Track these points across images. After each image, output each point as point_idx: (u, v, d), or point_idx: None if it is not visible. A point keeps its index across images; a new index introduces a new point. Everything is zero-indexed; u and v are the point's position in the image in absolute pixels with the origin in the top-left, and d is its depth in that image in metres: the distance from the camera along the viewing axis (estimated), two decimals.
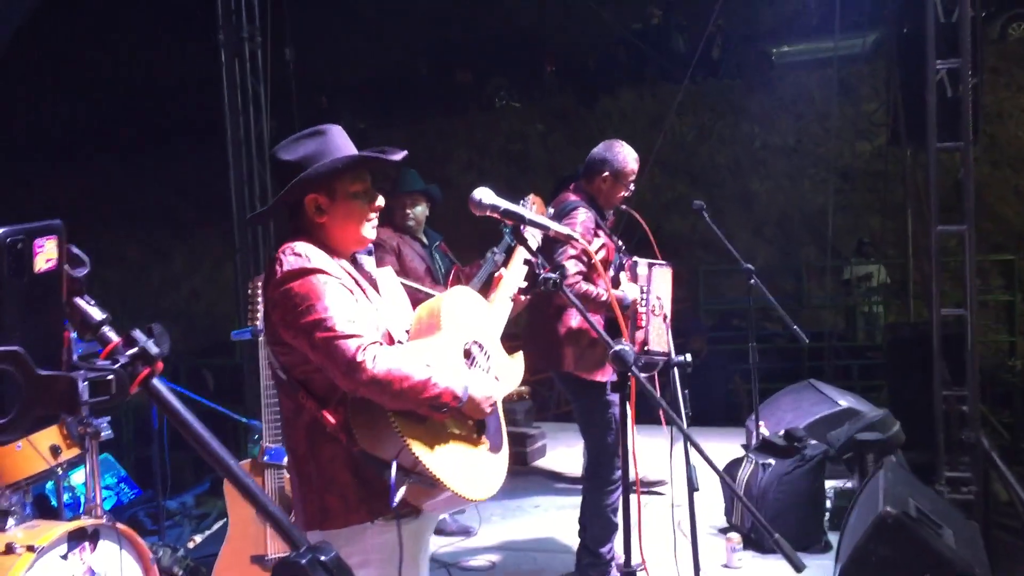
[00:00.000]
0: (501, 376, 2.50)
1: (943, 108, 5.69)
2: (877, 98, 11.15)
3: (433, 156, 14.33)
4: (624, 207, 4.39)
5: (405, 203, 4.82)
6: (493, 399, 2.35)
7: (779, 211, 13.11)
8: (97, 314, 1.07)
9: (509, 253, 4.85)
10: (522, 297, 2.65)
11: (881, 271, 11.03)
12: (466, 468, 2.29)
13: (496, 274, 2.70)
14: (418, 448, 2.19)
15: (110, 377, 1.02)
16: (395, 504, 2.18)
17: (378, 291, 2.46)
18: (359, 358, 2.16)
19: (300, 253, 2.27)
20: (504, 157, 15.24)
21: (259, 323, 2.40)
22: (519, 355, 2.56)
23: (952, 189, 6.14)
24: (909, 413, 6.02)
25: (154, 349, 1.06)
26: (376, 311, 2.37)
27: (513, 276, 2.66)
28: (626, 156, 4.17)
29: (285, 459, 2.88)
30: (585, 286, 3.87)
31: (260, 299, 2.43)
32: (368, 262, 2.50)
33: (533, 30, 17.40)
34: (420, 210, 4.86)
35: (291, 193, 2.33)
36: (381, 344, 2.24)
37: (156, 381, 1.07)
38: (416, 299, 2.62)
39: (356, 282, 2.35)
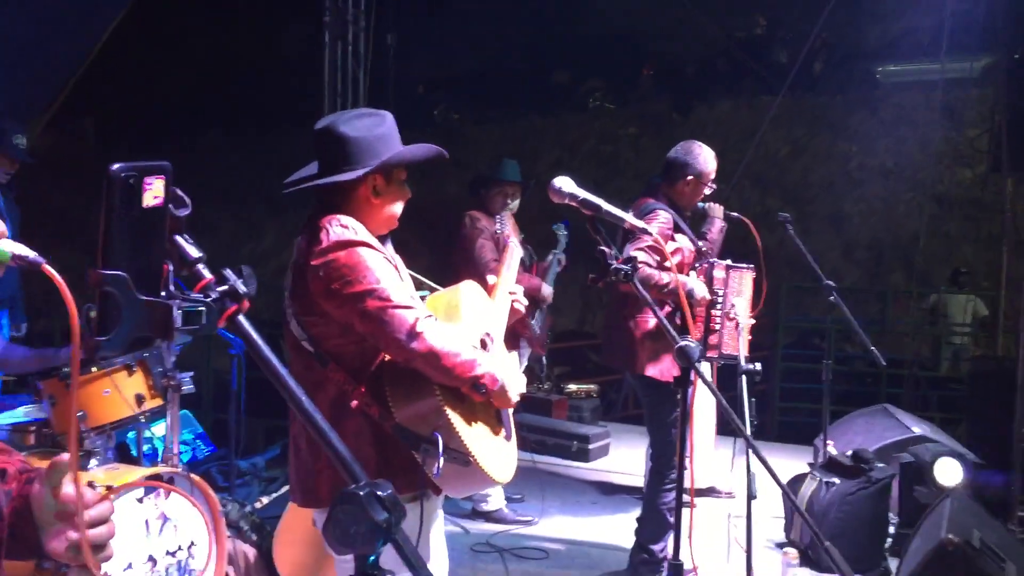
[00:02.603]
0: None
1: None
2: (981, 124, 10.82)
3: (523, 153, 14.42)
4: (736, 215, 4.40)
5: (507, 192, 4.91)
6: (520, 392, 2.40)
7: (871, 234, 12.82)
8: (194, 252, 1.16)
9: (555, 255, 4.93)
10: (521, 308, 2.71)
11: (977, 304, 10.64)
12: (493, 450, 2.36)
13: (492, 282, 2.76)
14: (459, 424, 2.25)
15: (201, 309, 1.11)
16: (438, 475, 2.22)
17: (401, 275, 2.49)
18: (419, 328, 2.22)
19: (347, 225, 2.31)
20: (594, 158, 15.25)
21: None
22: (515, 354, 2.62)
23: None
24: (986, 449, 5.87)
25: (242, 288, 1.15)
26: (410, 290, 2.44)
27: (509, 276, 2.75)
28: (706, 157, 4.18)
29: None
30: (648, 270, 3.86)
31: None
32: (389, 247, 2.54)
33: (632, 33, 17.32)
34: (516, 202, 4.95)
35: (379, 169, 2.38)
36: (434, 318, 2.31)
37: (242, 318, 1.16)
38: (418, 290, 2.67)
39: (390, 261, 2.40)
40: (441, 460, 2.20)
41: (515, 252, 2.94)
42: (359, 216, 2.39)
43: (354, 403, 2.29)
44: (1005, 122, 7.38)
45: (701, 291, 4.01)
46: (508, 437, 2.52)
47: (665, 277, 3.86)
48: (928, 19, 10.93)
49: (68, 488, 1.16)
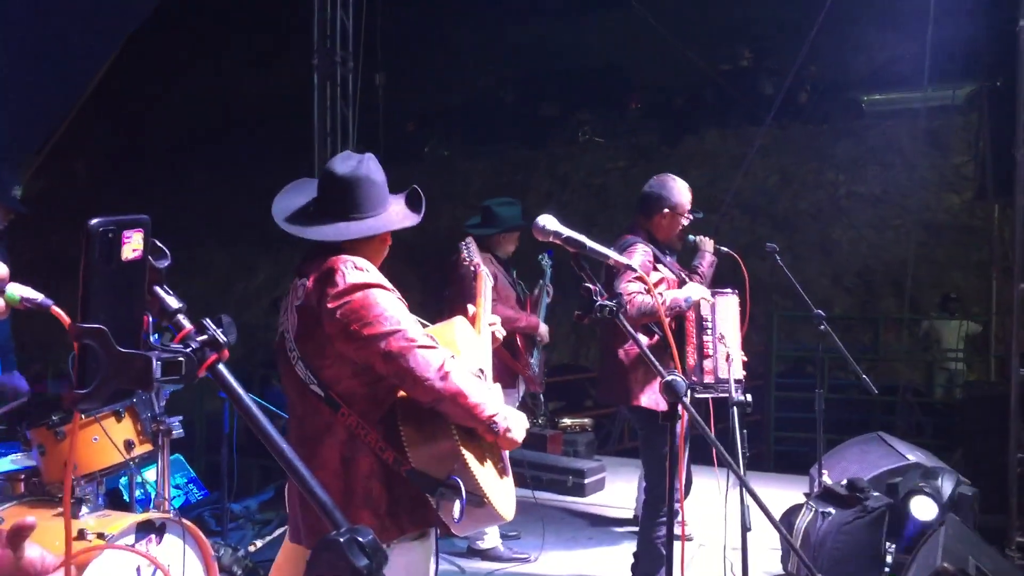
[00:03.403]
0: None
1: None
2: (967, 151, 10.94)
3: (513, 186, 14.52)
4: (725, 249, 4.45)
5: (513, 238, 4.96)
6: (524, 431, 2.41)
7: (860, 261, 12.88)
8: (174, 303, 1.17)
9: (542, 286, 4.96)
10: (499, 336, 2.77)
11: (965, 326, 10.69)
12: (500, 489, 2.36)
13: (471, 313, 2.79)
14: (474, 466, 2.26)
15: (181, 359, 1.12)
16: (459, 520, 2.22)
17: None
18: (447, 367, 2.23)
19: (361, 267, 2.32)
20: (584, 191, 15.34)
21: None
22: (498, 386, 2.64)
23: None
24: (983, 475, 5.86)
25: (222, 337, 1.16)
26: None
27: (486, 304, 2.79)
28: (680, 189, 4.21)
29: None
30: (640, 298, 3.87)
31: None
32: None
33: (620, 66, 17.51)
34: (515, 243, 5.00)
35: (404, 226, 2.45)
36: (455, 357, 2.32)
37: (222, 367, 1.17)
38: None
39: (402, 301, 2.41)
40: (461, 504, 2.21)
41: (487, 280, 2.97)
42: (367, 256, 2.41)
43: (372, 445, 2.29)
44: (989, 149, 7.48)
45: (698, 293, 4.00)
46: (507, 473, 2.53)
47: (660, 297, 3.90)
48: (911, 48, 11.07)
49: (30, 552, 1.16)
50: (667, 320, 3.93)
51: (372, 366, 2.29)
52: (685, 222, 4.24)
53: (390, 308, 2.28)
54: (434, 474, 2.25)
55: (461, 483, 2.22)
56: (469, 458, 2.26)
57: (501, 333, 2.81)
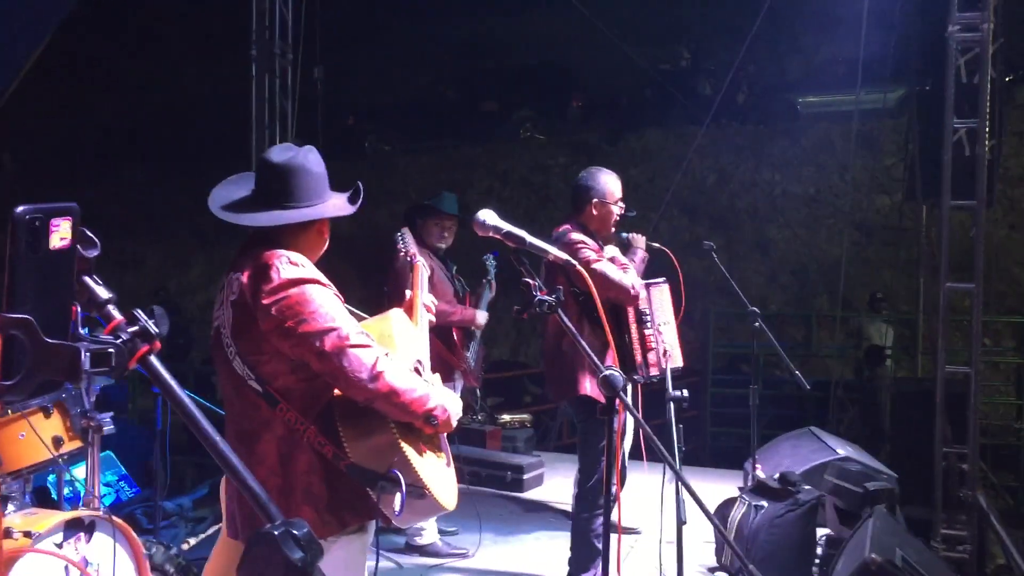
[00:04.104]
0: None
1: (959, 167, 5.75)
2: (898, 153, 11.22)
3: (454, 182, 14.47)
4: (657, 245, 4.50)
5: (444, 224, 4.89)
6: (459, 416, 2.43)
7: (795, 259, 13.15)
8: (104, 293, 1.15)
9: (489, 282, 4.99)
10: (433, 319, 2.82)
11: (889, 332, 10.97)
12: (441, 479, 2.37)
13: (408, 296, 2.81)
14: (414, 458, 2.25)
15: (111, 350, 1.09)
16: (400, 513, 2.21)
17: None
18: (380, 367, 2.21)
19: (296, 262, 2.30)
20: (525, 187, 15.38)
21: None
22: (437, 376, 2.65)
23: (966, 248, 6.18)
24: (910, 468, 6.02)
25: (154, 329, 1.14)
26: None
27: (423, 295, 2.82)
28: (607, 179, 4.26)
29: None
30: (602, 266, 3.95)
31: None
32: None
33: (562, 65, 17.60)
34: (450, 235, 4.94)
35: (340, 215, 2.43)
36: (388, 354, 2.31)
37: (153, 359, 1.14)
38: None
39: (338, 296, 2.39)
40: (401, 497, 2.20)
41: (423, 270, 2.98)
42: (303, 251, 2.39)
43: (311, 441, 2.27)
44: (918, 151, 7.68)
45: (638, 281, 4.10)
46: (449, 463, 2.52)
47: (624, 272, 4.01)
48: (844, 52, 11.33)
49: None
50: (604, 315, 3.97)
51: (307, 363, 2.27)
52: (617, 211, 4.27)
53: (325, 305, 2.26)
54: (373, 468, 2.25)
55: (401, 476, 2.21)
56: (408, 451, 2.25)
57: (434, 316, 2.85)
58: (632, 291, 4.00)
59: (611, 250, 4.22)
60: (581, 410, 4.23)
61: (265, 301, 2.25)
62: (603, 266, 4.00)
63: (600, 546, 4.05)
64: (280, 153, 2.44)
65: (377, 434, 2.27)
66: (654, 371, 4.09)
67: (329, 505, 2.30)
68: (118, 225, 13.92)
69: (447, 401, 2.37)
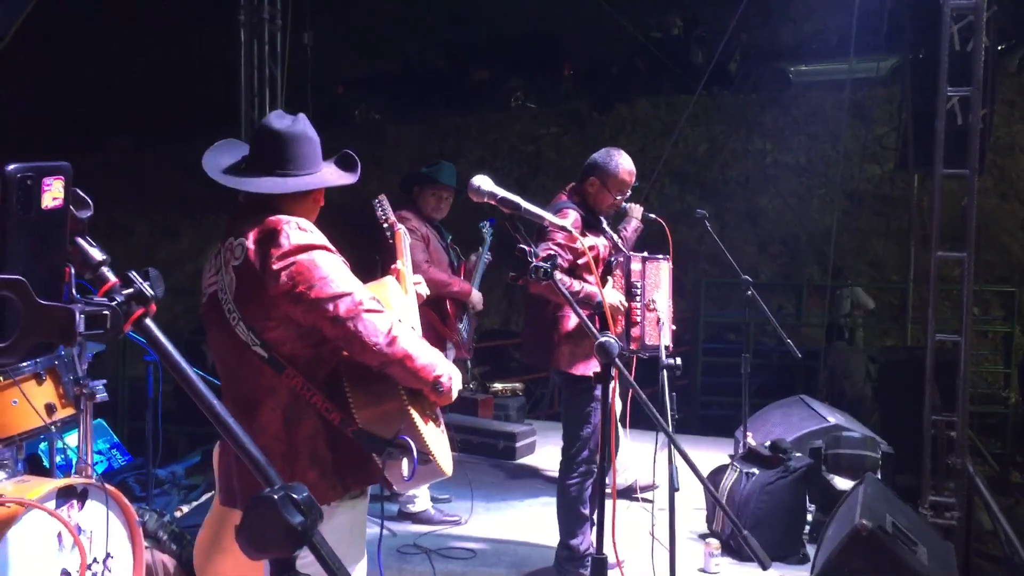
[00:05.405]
0: None
1: (952, 135, 5.73)
2: (890, 122, 11.20)
3: (445, 152, 14.40)
4: (653, 216, 4.47)
5: (441, 195, 4.87)
6: (459, 388, 2.43)
7: (786, 229, 13.14)
8: (97, 255, 1.13)
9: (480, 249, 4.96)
10: (424, 294, 2.83)
11: (859, 294, 10.96)
12: (441, 445, 2.38)
13: (393, 266, 2.81)
14: (420, 424, 2.27)
15: (106, 312, 1.07)
16: (410, 478, 2.22)
17: None
18: (395, 332, 2.22)
19: (305, 228, 2.30)
20: (516, 157, 15.30)
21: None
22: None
23: (957, 217, 6.19)
24: (899, 436, 6.06)
25: (149, 291, 1.12)
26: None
27: (408, 262, 2.84)
28: (618, 165, 4.20)
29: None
30: (559, 275, 3.89)
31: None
32: None
33: (552, 33, 17.46)
34: (447, 206, 4.92)
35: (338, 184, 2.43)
36: (400, 319, 2.32)
37: (149, 321, 1.13)
38: None
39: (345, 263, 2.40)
40: (412, 463, 2.21)
41: (405, 237, 2.98)
42: (300, 216, 2.38)
43: (318, 406, 2.28)
44: (910, 120, 7.67)
45: (612, 298, 4.02)
46: (443, 430, 2.54)
47: (576, 285, 3.90)
48: (837, 20, 11.27)
49: None
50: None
51: (319, 329, 2.26)
52: (619, 197, 4.24)
53: (335, 271, 2.26)
54: (381, 434, 2.25)
55: (411, 442, 2.22)
56: (416, 417, 2.27)
57: (425, 292, 2.85)
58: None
59: (592, 239, 4.14)
60: (563, 381, 4.24)
61: (275, 266, 2.24)
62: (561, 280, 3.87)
63: (587, 512, 4.09)
64: (279, 120, 2.43)
65: (386, 400, 2.28)
66: (634, 345, 4.08)
67: (335, 469, 2.32)
68: (105, 195, 13.80)
69: (453, 370, 2.38)
